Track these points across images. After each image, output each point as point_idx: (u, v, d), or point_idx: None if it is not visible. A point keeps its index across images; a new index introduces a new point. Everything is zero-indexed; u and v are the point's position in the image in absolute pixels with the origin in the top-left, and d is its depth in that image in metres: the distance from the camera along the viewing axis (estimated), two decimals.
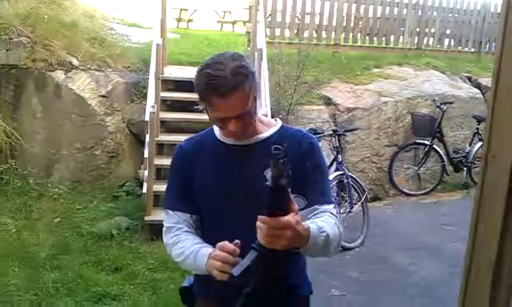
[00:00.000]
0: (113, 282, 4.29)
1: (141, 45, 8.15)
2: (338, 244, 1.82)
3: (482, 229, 2.34)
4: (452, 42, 10.31)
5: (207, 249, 1.75)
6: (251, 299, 1.58)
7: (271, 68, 7.03)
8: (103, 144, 6.63)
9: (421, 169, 7.46)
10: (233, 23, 13.08)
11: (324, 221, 1.76)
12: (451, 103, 7.65)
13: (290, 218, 1.49)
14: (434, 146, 7.33)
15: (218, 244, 1.68)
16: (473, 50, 10.30)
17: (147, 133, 5.64)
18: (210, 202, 1.85)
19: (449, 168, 7.49)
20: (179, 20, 12.61)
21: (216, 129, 1.89)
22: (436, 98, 7.64)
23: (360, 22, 9.54)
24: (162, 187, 5.64)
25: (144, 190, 5.44)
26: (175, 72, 7.07)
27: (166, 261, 4.68)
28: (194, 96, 6.04)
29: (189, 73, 7.08)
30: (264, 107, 5.98)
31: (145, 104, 6.26)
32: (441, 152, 7.38)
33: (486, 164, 2.34)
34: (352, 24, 9.44)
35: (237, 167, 1.83)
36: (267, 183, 1.43)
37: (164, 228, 1.92)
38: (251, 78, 1.74)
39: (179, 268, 4.44)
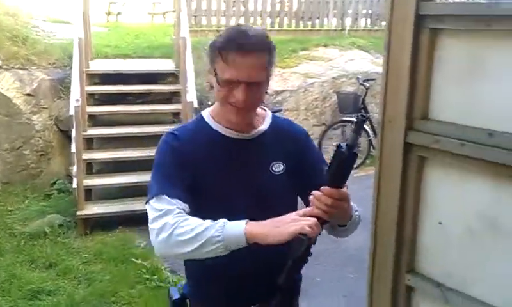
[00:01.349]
0: (47, 278, 4.30)
1: (66, 41, 8.00)
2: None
3: (383, 189, 2.54)
4: (376, 21, 10.66)
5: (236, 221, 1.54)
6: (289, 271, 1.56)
7: (197, 55, 7.10)
8: (31, 143, 6.52)
9: None
10: (164, 13, 12.97)
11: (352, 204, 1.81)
12: (373, 80, 7.95)
13: (346, 191, 1.55)
14: None
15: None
16: None
17: (73, 128, 5.61)
18: (216, 198, 1.70)
19: (375, 142, 7.79)
20: (108, 13, 12.38)
21: (210, 120, 1.76)
22: (360, 76, 7.92)
23: (286, 7, 9.73)
24: (93, 181, 5.66)
25: (75, 185, 5.43)
26: (100, 65, 7.02)
27: (100, 253, 4.75)
28: (122, 88, 6.06)
29: (116, 65, 7.07)
30: (189, 94, 6.06)
31: (70, 100, 6.20)
32: (367, 128, 7.66)
33: (383, 128, 2.53)
34: (278, 9, 9.61)
35: (242, 162, 1.74)
36: (342, 149, 1.45)
37: (159, 212, 1.59)
38: (272, 55, 1.67)
39: (113, 259, 4.54)
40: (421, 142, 2.34)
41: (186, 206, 1.62)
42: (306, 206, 1.68)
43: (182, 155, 1.69)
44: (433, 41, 2.27)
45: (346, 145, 1.45)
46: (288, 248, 1.50)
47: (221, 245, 1.49)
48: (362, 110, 7.58)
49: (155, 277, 4.28)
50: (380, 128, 2.55)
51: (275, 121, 1.85)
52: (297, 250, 1.49)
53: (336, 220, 1.63)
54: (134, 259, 4.54)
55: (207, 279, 1.76)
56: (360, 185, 6.78)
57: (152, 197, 1.63)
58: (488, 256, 2.20)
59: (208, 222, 1.53)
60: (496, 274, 2.17)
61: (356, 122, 1.47)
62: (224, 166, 1.72)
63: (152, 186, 1.67)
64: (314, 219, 1.49)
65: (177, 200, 1.60)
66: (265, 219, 1.60)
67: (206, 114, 1.79)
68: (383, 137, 2.53)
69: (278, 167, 1.76)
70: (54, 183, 6.31)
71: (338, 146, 1.46)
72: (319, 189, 1.54)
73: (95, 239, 5.07)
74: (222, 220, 1.52)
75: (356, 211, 1.79)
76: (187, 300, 1.84)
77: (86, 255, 4.76)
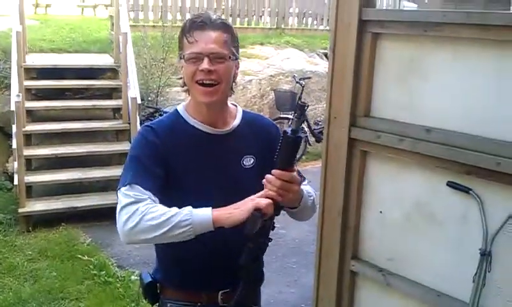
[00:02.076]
0: None
1: None
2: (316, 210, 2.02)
3: (330, 181, 2.74)
4: (309, 21, 10.97)
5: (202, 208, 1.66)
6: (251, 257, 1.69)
7: (137, 51, 7.11)
8: None
9: None
10: (94, 7, 12.71)
11: (307, 190, 1.93)
12: (309, 78, 8.22)
13: (295, 174, 1.66)
14: None
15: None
16: (328, 27, 11.01)
17: (13, 123, 5.51)
18: (188, 190, 1.76)
19: (311, 139, 8.09)
20: (36, 5, 11.98)
21: (186, 115, 1.83)
22: (296, 74, 8.16)
23: (223, 3, 9.84)
24: (33, 178, 5.59)
25: (16, 182, 5.34)
26: (37, 60, 6.90)
27: (44, 250, 4.73)
28: (59, 83, 5.99)
29: (52, 60, 6.98)
30: (132, 89, 6.08)
31: (8, 95, 6.09)
32: (303, 125, 7.92)
33: (329, 124, 2.74)
34: (214, 6, 9.70)
35: (214, 157, 1.81)
36: (288, 134, 1.57)
37: (131, 199, 1.64)
38: (231, 35, 1.78)
39: (59, 256, 4.55)
40: (364, 137, 2.55)
41: (157, 200, 1.68)
42: None
43: (157, 147, 1.76)
44: (375, 45, 2.49)
45: (291, 130, 1.59)
46: (244, 227, 1.60)
47: (190, 229, 1.59)
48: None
49: (103, 272, 4.31)
50: (326, 125, 2.75)
51: (246, 115, 1.96)
52: (252, 227, 1.60)
53: (288, 202, 1.73)
54: (80, 256, 4.55)
55: (178, 265, 1.85)
56: None
57: (125, 185, 1.68)
58: (424, 242, 2.44)
59: (175, 209, 1.62)
60: (432, 258, 2.40)
61: (297, 107, 1.61)
62: (197, 160, 1.80)
63: (125, 175, 1.72)
64: (268, 200, 1.62)
65: (149, 192, 1.67)
66: None
67: (181, 108, 1.87)
68: (328, 132, 2.73)
69: (249, 161, 1.86)
70: None
71: (284, 132, 1.60)
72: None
73: (38, 236, 5.03)
74: (188, 207, 1.62)
75: (310, 196, 1.91)
76: (158, 284, 1.92)
77: (30, 252, 4.72)
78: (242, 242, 1.74)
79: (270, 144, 1.88)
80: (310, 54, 9.64)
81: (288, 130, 1.61)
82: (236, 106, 1.97)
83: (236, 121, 1.90)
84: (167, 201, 1.70)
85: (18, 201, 5.31)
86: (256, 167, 1.87)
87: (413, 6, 12.76)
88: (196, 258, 1.80)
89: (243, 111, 1.97)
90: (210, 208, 1.63)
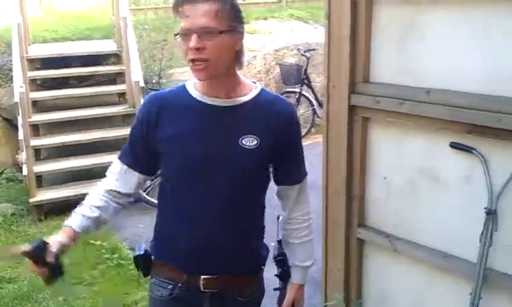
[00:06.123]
0: (6, 266, 4.28)
1: (1, 28, 7.79)
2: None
3: (332, 150, 2.72)
4: None
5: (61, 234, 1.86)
6: None
7: (139, 35, 7.08)
8: None
9: None
10: None
11: (308, 249, 1.98)
12: (314, 50, 8.12)
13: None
14: (303, 92, 7.75)
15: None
16: None
17: (19, 114, 5.53)
18: (180, 160, 1.77)
19: (319, 111, 8.00)
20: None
21: (190, 88, 1.78)
22: (300, 47, 8.08)
23: None
24: (43, 168, 5.62)
25: (25, 172, 5.38)
26: (40, 50, 6.90)
27: None
28: (64, 71, 5.93)
29: (55, 49, 6.97)
30: (134, 73, 6.09)
31: (14, 87, 6.09)
32: (310, 97, 7.84)
33: (328, 93, 2.70)
34: None
35: (210, 128, 1.73)
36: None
37: (108, 170, 1.93)
38: (227, 4, 1.64)
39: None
40: (363, 104, 2.52)
41: (135, 174, 1.88)
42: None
43: (148, 120, 1.79)
44: (371, 8, 2.44)
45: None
46: None
47: None
48: (305, 80, 7.75)
49: (116, 255, 4.33)
50: (325, 95, 2.71)
51: (262, 95, 1.82)
52: None
53: None
54: (92, 241, 4.57)
55: (165, 238, 1.88)
56: (307, 154, 7.02)
57: (119, 158, 1.91)
58: (430, 205, 2.41)
59: (84, 209, 1.95)
60: (438, 221, 2.38)
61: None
62: (191, 130, 1.75)
63: (124, 145, 1.92)
64: None
65: (127, 167, 1.88)
66: (230, 188, 1.76)
67: (189, 82, 1.81)
68: (328, 101, 2.70)
69: (251, 142, 1.74)
70: (2, 172, 6.19)
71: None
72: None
73: (50, 225, 5.05)
74: (76, 221, 1.92)
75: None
76: (152, 256, 1.92)
77: None
78: (231, 237, 1.79)
79: (278, 133, 1.79)
80: (315, 25, 9.53)
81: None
82: (255, 83, 1.84)
83: (244, 98, 1.77)
84: (163, 164, 1.84)
85: (28, 191, 5.34)
86: (260, 149, 1.75)
87: None
88: (183, 234, 1.80)
89: (262, 90, 1.82)
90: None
